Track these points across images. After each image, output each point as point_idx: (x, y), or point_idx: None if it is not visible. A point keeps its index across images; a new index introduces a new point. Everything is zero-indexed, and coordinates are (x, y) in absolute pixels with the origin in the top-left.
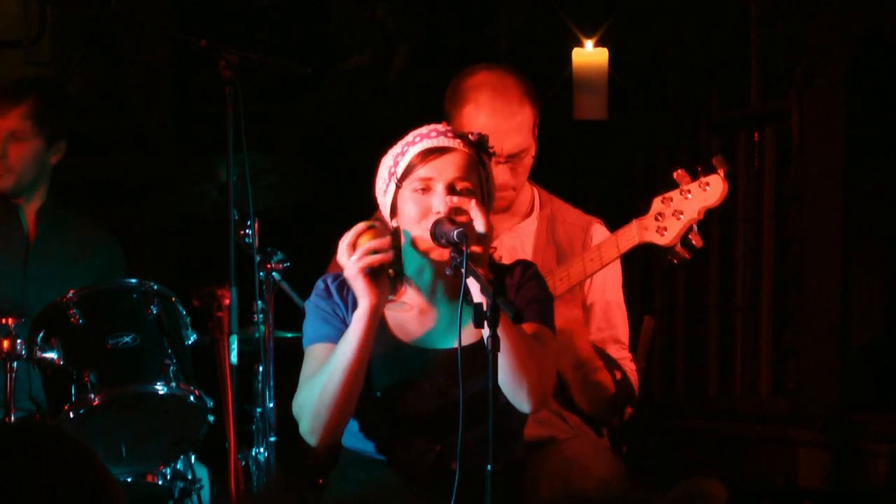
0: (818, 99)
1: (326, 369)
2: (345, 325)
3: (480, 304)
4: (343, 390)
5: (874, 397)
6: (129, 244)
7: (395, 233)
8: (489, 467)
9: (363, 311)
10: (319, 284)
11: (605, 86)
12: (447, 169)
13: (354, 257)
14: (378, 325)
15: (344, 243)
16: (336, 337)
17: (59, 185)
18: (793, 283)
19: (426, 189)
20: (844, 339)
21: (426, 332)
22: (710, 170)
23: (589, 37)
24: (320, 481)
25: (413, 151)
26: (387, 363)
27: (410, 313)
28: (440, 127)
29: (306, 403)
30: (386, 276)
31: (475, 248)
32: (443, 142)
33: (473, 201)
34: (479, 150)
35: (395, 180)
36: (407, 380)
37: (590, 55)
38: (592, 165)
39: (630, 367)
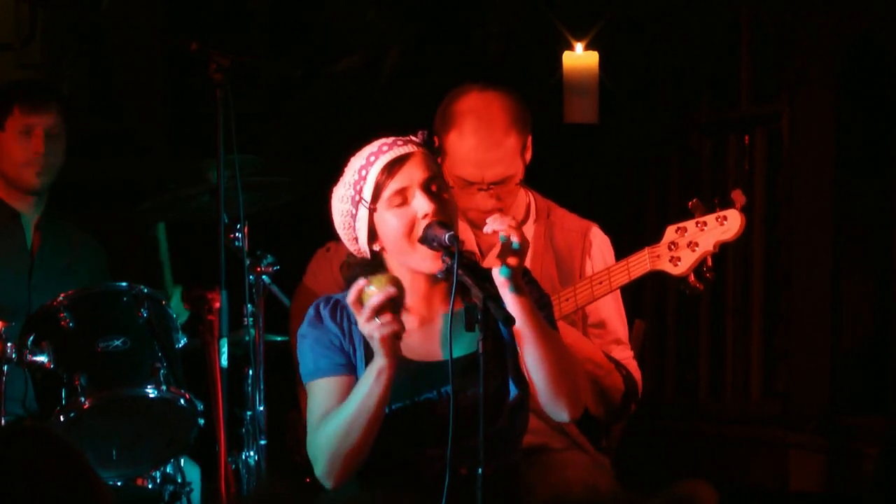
0: (809, 101)
1: (343, 418)
2: (342, 351)
3: (472, 308)
4: (362, 441)
5: (865, 399)
6: (119, 247)
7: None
8: (479, 471)
9: (384, 369)
10: (311, 311)
11: (596, 89)
12: (415, 173)
13: (365, 318)
14: None
15: (369, 306)
16: (336, 369)
17: (50, 188)
18: (783, 285)
19: (403, 202)
20: (835, 341)
21: (431, 344)
22: (728, 203)
23: (579, 40)
24: (307, 480)
25: (375, 171)
26: (397, 382)
27: (412, 326)
28: (387, 140)
29: (321, 450)
30: (401, 331)
31: (511, 261)
32: (398, 151)
33: (499, 216)
34: (428, 146)
35: (366, 205)
36: (418, 394)
37: (580, 58)
38: (583, 169)
39: (633, 366)
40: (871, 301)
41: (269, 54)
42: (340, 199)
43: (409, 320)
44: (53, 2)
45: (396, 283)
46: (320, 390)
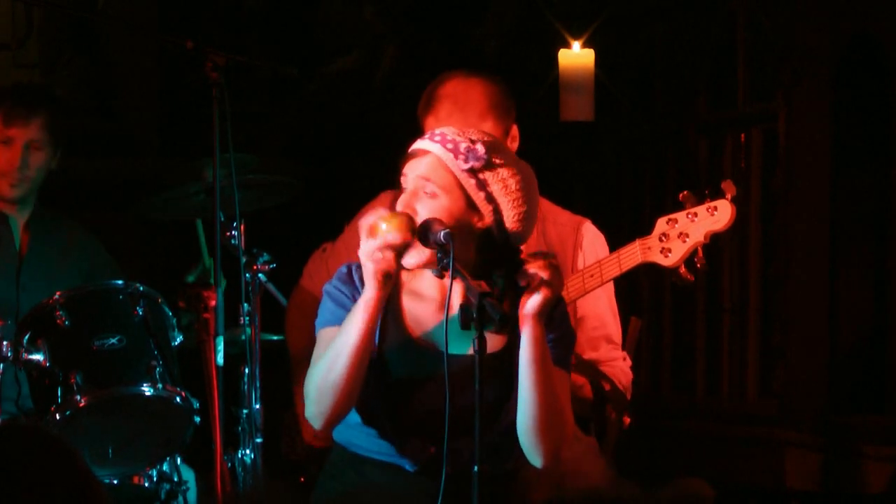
0: (805, 100)
1: (331, 350)
2: None
3: (468, 306)
4: (347, 374)
5: (861, 399)
6: (116, 245)
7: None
8: (475, 468)
9: (371, 298)
10: (342, 269)
11: (592, 87)
12: (415, 171)
13: (373, 248)
14: (393, 316)
15: (365, 224)
16: None
17: (45, 188)
18: (780, 284)
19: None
20: (831, 340)
21: (441, 333)
22: (718, 193)
23: (576, 38)
24: (301, 479)
25: (409, 151)
26: (399, 358)
27: (428, 311)
28: (438, 130)
29: (311, 386)
30: (398, 272)
31: (527, 310)
32: (419, 144)
33: (548, 264)
34: (459, 155)
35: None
36: (418, 377)
37: (577, 56)
38: (579, 167)
39: (622, 367)
40: (868, 300)
41: (265, 53)
42: None
43: (428, 305)
44: (50, 1)
45: (413, 226)
46: (329, 336)
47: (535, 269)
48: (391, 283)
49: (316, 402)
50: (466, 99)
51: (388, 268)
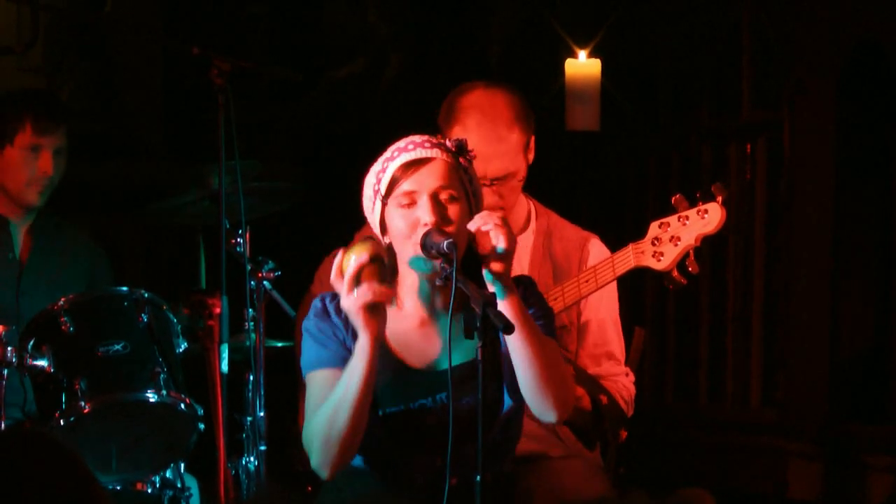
0: (809, 109)
1: (332, 401)
2: (344, 347)
3: (471, 315)
4: (351, 422)
5: (863, 408)
6: (120, 251)
7: (390, 251)
8: (478, 478)
9: (365, 345)
10: (317, 304)
11: (598, 96)
12: (429, 179)
13: (344, 292)
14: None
15: (346, 278)
16: (336, 361)
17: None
18: (783, 293)
19: (411, 203)
20: (834, 349)
21: (429, 350)
22: (709, 197)
23: (582, 47)
24: (309, 488)
25: (393, 166)
26: (391, 385)
27: (411, 328)
28: (417, 138)
29: (314, 438)
30: (384, 306)
31: (496, 266)
32: (421, 153)
33: (493, 218)
34: (458, 156)
35: (381, 197)
36: (413, 400)
37: (583, 66)
38: (585, 176)
39: (624, 383)
40: (870, 309)
41: (270, 59)
42: (367, 185)
43: (410, 322)
44: (55, 6)
45: (375, 248)
46: (318, 381)
47: (485, 225)
48: (382, 316)
49: (321, 453)
50: (494, 109)
51: (366, 301)
